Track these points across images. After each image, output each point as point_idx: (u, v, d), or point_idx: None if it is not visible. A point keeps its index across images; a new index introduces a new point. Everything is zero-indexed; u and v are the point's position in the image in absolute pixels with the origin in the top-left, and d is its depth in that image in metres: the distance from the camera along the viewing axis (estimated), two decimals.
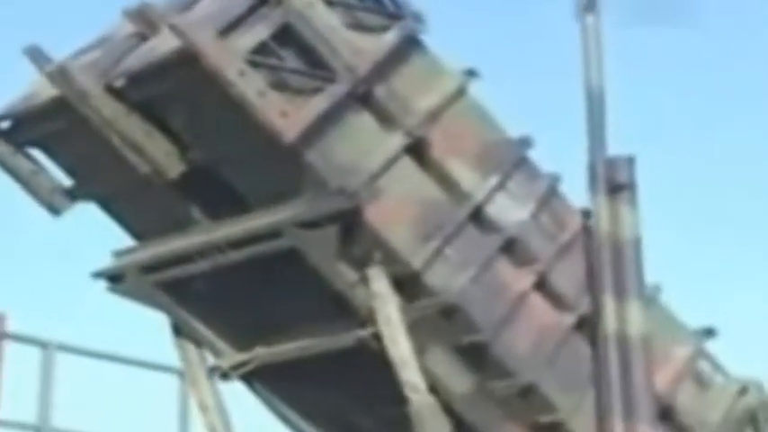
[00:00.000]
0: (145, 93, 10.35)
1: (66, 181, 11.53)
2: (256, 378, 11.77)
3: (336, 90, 10.23)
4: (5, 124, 11.15)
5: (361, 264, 10.60)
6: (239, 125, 9.99)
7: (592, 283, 11.47)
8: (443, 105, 11.19)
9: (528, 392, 11.31)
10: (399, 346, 10.57)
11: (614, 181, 11.78)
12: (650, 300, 12.25)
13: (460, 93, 11.35)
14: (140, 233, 11.51)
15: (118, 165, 10.75)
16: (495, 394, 11.28)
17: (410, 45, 11.00)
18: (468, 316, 10.95)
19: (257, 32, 9.99)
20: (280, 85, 10.08)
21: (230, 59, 9.73)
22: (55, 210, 11.43)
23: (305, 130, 10.00)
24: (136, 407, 10.25)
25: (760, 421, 12.73)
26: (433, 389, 10.97)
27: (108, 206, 11.53)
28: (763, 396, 12.81)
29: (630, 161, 11.88)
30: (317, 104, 10.11)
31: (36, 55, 10.52)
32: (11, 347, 9.87)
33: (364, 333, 10.71)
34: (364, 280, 10.61)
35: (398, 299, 10.78)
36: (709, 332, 12.68)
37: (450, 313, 10.94)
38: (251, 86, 9.79)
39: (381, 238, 10.59)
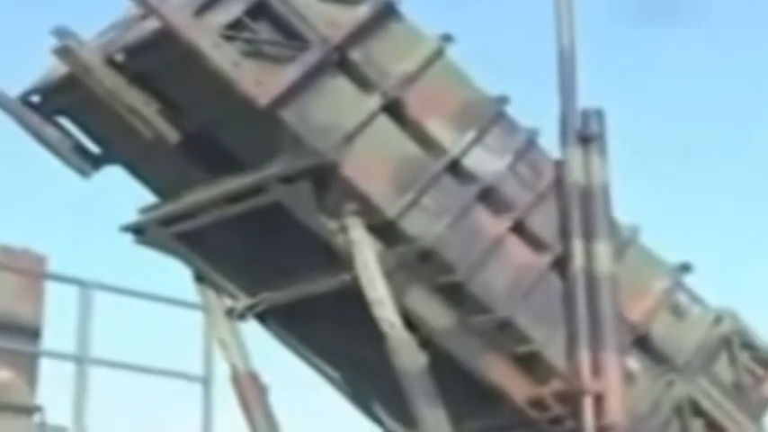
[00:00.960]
0: (140, 65, 10.49)
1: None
2: (269, 318, 11.87)
3: (309, 58, 10.23)
4: (35, 98, 11.26)
5: (340, 214, 10.63)
6: (222, 93, 10.03)
7: (563, 226, 11.45)
8: (421, 68, 11.07)
9: (505, 326, 11.22)
10: (376, 288, 10.61)
11: (585, 132, 11.71)
12: (629, 239, 12.26)
13: (437, 56, 11.22)
14: (160, 191, 11.64)
15: (129, 132, 10.89)
16: (474, 329, 11.20)
17: (386, 14, 10.91)
18: (444, 259, 10.90)
19: (232, 10, 10.03)
20: (257, 56, 10.12)
21: (204, 35, 9.79)
22: (83, 172, 11.58)
23: (278, 95, 10.02)
24: (165, 340, 10.18)
25: (734, 347, 12.58)
26: (417, 326, 11.03)
27: (130, 168, 11.66)
28: (736, 324, 12.65)
29: (600, 114, 11.82)
30: (291, 72, 10.12)
31: (63, 34, 10.63)
32: (52, 287, 9.71)
33: (347, 277, 10.75)
34: (344, 229, 10.64)
35: (379, 245, 10.80)
36: (685, 267, 12.52)
37: (428, 257, 10.90)
38: (225, 58, 9.85)
39: (358, 191, 10.59)
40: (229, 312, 11.76)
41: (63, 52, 10.44)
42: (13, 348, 9.00)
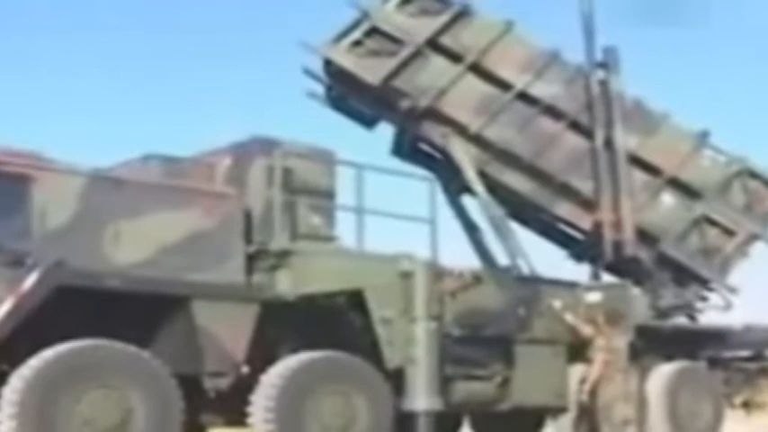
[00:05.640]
0: (333, 73, 12.53)
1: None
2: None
3: (404, 52, 12.15)
4: (334, 93, 13.00)
5: (445, 135, 12.44)
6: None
7: (591, 120, 12.70)
8: (493, 42, 12.49)
9: (565, 185, 12.71)
10: (468, 173, 12.36)
11: (605, 60, 12.89)
12: (661, 119, 13.13)
13: (505, 32, 12.60)
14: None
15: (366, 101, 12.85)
16: (548, 188, 12.69)
17: (462, 13, 12.42)
18: (515, 152, 12.49)
19: (356, 34, 12.16)
20: (372, 56, 12.12)
21: (337, 51, 12.09)
22: (368, 125, 13.47)
23: (385, 76, 12.01)
24: (403, 202, 10.78)
25: (744, 178, 13.19)
26: (511, 193, 12.64)
27: (386, 121, 13.27)
28: (743, 164, 13.23)
29: (614, 49, 12.89)
30: (392, 62, 12.10)
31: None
32: (340, 169, 10.42)
33: None
34: (447, 143, 12.48)
35: (475, 150, 12.37)
36: (704, 134, 13.21)
37: (505, 152, 12.50)
38: (349, 61, 12.08)
39: (452, 119, 12.35)
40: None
41: (306, 70, 12.67)
42: (319, 204, 10.13)
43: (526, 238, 13.24)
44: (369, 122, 13.51)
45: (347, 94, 12.95)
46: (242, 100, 34.81)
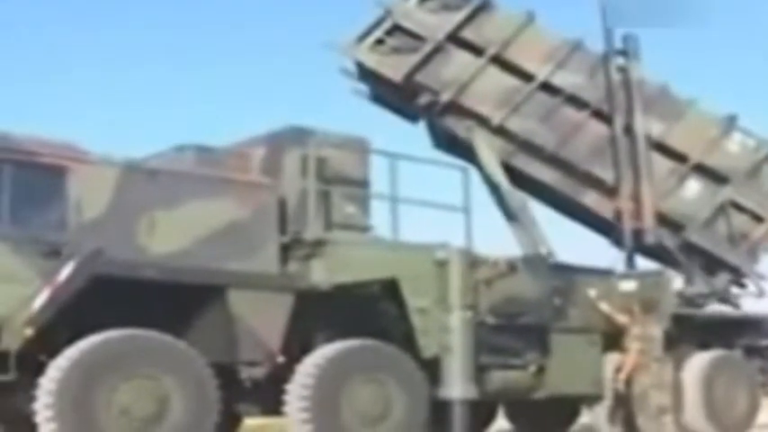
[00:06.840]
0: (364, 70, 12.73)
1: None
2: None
3: (426, 47, 12.27)
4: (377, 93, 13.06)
5: (469, 128, 12.53)
6: None
7: (611, 108, 12.70)
8: (514, 34, 12.57)
9: (588, 174, 12.74)
10: (489, 165, 12.47)
11: (625, 48, 12.94)
12: (688, 104, 13.09)
13: (525, 25, 12.67)
14: None
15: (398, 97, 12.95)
16: (571, 177, 12.73)
17: (481, 8, 12.55)
18: (537, 142, 12.54)
19: (377, 32, 12.29)
20: (394, 53, 12.25)
21: (359, 50, 12.23)
22: (412, 120, 13.46)
23: (407, 72, 12.14)
24: (439, 193, 10.70)
25: None
26: (533, 182, 12.73)
27: (422, 116, 13.27)
28: None
29: (634, 36, 12.99)
30: (414, 58, 12.23)
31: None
32: (374, 158, 10.58)
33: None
34: (470, 135, 12.56)
35: (500, 142, 12.44)
36: (732, 118, 13.16)
37: (527, 143, 12.56)
38: (372, 60, 12.22)
39: (474, 112, 12.45)
40: None
41: (343, 71, 12.77)
42: (353, 193, 9.96)
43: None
44: (413, 117, 13.54)
45: (384, 91, 13.03)
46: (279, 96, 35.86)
